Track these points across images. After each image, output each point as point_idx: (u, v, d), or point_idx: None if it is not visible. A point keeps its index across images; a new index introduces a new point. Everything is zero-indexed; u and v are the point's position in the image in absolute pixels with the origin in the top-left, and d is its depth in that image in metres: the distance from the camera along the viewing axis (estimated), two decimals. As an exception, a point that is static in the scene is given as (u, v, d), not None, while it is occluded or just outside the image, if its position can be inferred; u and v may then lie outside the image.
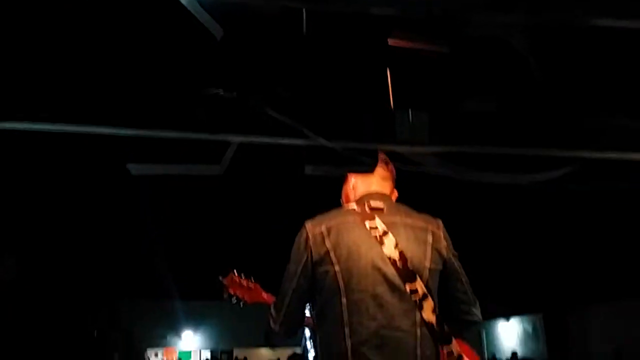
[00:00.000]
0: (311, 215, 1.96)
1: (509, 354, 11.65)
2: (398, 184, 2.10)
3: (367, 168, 1.71)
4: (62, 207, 6.00)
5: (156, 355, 14.74)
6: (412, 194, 2.16)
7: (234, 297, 2.48)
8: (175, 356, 14.76)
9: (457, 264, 1.99)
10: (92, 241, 7.82)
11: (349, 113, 1.71)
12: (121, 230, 7.25)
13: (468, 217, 5.86)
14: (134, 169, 1.66)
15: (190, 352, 15.34)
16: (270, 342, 2.46)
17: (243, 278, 2.50)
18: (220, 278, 2.48)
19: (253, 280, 2.51)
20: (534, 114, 1.70)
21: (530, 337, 11.61)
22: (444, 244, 1.96)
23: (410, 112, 1.69)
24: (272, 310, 2.00)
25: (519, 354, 11.25)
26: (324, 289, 1.88)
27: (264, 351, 13.61)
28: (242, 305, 2.51)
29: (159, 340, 14.98)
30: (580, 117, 1.69)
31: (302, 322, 2.02)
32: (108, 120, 1.66)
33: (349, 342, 1.79)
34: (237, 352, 14.49)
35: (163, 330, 14.82)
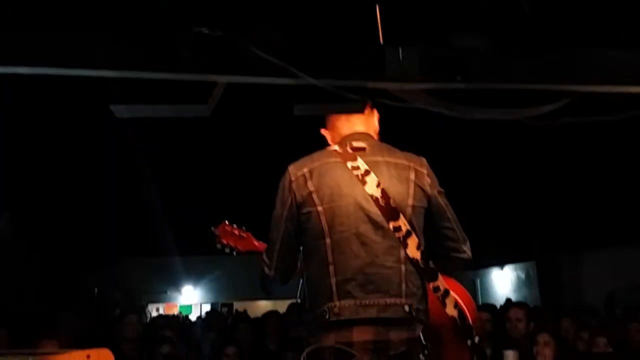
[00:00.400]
0: (301, 154, 1.96)
1: (503, 301, 11.92)
2: (388, 122, 2.09)
3: (357, 106, 1.69)
4: (51, 160, 5.95)
5: (157, 310, 14.99)
6: (401, 131, 2.15)
7: (227, 247, 2.53)
8: (176, 311, 15.03)
9: (443, 201, 2.01)
10: (89, 197, 7.82)
11: (337, 50, 1.66)
12: (116, 184, 7.23)
13: (459, 159, 5.84)
14: (118, 110, 1.62)
15: (191, 306, 15.62)
16: (267, 290, 2.49)
17: (235, 227, 2.55)
18: (212, 228, 2.54)
19: (244, 230, 2.55)
20: (525, 48, 1.66)
21: (523, 284, 11.87)
22: (427, 181, 1.98)
23: (400, 48, 1.65)
24: (265, 257, 2.04)
25: (513, 300, 11.49)
26: (308, 230, 1.92)
27: (263, 303, 13.86)
28: (235, 254, 2.55)
29: (160, 296, 15.22)
30: (572, 50, 1.65)
31: (295, 266, 2.05)
32: (89, 62, 1.61)
33: (333, 280, 1.83)
34: (237, 305, 14.75)
35: (163, 286, 15.04)
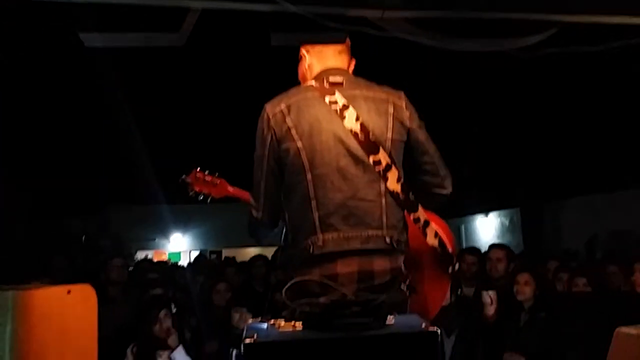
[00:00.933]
0: (280, 85, 1.91)
1: (486, 247, 12.13)
2: (368, 51, 2.03)
3: (338, 36, 1.62)
4: (38, 105, 5.81)
5: (146, 257, 15.09)
6: (377, 67, 2.10)
7: (200, 195, 2.49)
8: (165, 258, 15.17)
9: (423, 134, 2.00)
10: (78, 143, 7.71)
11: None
12: (105, 131, 7.11)
13: (443, 105, 5.76)
14: (88, 39, 1.54)
15: (179, 253, 15.76)
16: (256, 237, 2.50)
17: (207, 174, 2.50)
18: (184, 177, 2.48)
19: (218, 176, 2.51)
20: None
21: (507, 230, 12.09)
22: (406, 114, 1.96)
23: (382, -26, 1.58)
24: (252, 200, 2.02)
25: (496, 246, 11.71)
26: (287, 167, 1.90)
27: (252, 250, 14.03)
28: (209, 202, 2.52)
29: (148, 243, 15.31)
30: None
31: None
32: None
33: (316, 214, 1.84)
34: (225, 253, 14.90)
35: (152, 233, 15.10)
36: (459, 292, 4.29)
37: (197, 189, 2.48)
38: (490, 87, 5.84)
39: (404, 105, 1.98)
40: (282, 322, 1.74)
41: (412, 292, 1.92)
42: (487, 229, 13.06)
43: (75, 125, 7.01)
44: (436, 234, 2.03)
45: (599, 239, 9.04)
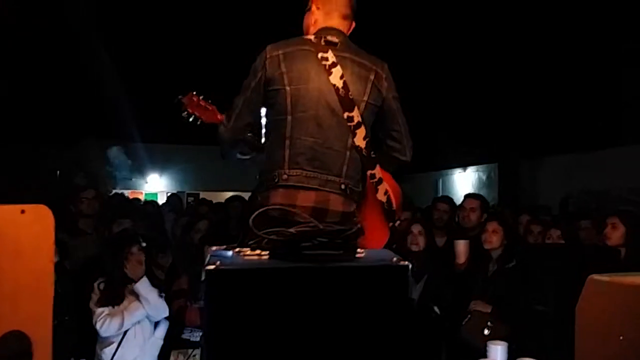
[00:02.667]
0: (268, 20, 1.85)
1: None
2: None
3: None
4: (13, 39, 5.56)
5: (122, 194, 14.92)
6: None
7: (192, 116, 2.63)
8: (142, 198, 15.04)
9: (396, 105, 2.29)
10: (53, 75, 7.44)
11: None
12: (81, 63, 6.86)
13: (428, 65, 5.65)
14: None
15: (156, 194, 15.65)
16: (225, 154, 2.61)
17: (201, 99, 2.66)
18: (180, 97, 2.64)
19: (211, 102, 2.66)
20: None
21: (484, 184, 12.20)
22: (384, 84, 2.25)
23: None
24: (225, 118, 2.31)
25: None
26: (274, 106, 2.18)
27: (229, 195, 13.98)
28: (199, 124, 2.65)
29: (125, 183, 15.13)
30: None
31: (248, 126, 2.29)
32: None
33: (287, 152, 2.12)
34: (203, 196, 14.86)
35: (128, 172, 14.91)
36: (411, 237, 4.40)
37: (190, 110, 2.61)
38: (470, 41, 5.72)
39: (384, 76, 2.25)
40: (248, 251, 1.69)
41: (361, 234, 2.12)
42: (464, 184, 13.16)
43: (56, 56, 6.74)
44: (386, 192, 2.30)
45: (572, 197, 9.18)
